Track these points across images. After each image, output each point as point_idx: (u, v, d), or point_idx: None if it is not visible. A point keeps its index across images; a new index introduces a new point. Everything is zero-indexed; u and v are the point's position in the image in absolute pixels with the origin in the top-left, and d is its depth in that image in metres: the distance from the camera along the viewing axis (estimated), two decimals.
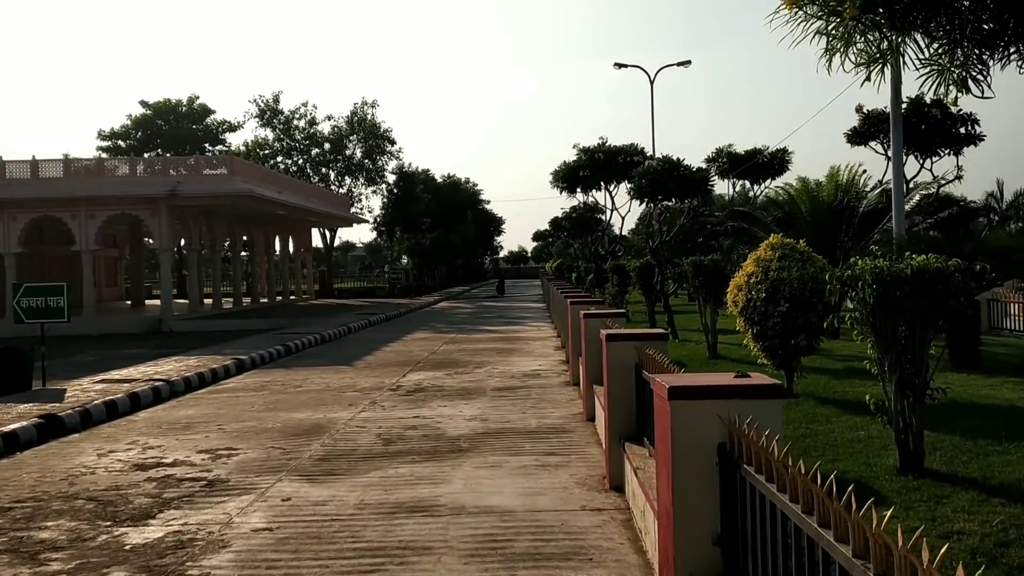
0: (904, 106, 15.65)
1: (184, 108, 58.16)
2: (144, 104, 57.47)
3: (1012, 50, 4.58)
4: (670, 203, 18.59)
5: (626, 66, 36.64)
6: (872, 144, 19.02)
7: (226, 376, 16.29)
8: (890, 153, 14.36)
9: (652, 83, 36.16)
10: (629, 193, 32.33)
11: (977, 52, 4.60)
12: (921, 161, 20.00)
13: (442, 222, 59.71)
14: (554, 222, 52.98)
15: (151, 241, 37.22)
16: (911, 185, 18.79)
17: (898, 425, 6.92)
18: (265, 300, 43.52)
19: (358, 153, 56.29)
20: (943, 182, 21.14)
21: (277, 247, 45.74)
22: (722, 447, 4.10)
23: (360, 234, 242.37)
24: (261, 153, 54.23)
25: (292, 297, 47.34)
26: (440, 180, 65.62)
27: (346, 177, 56.59)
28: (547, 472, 8.09)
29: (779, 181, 33.08)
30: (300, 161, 55.51)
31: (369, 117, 55.83)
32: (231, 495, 7.57)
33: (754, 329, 8.92)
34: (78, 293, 31.69)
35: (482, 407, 11.90)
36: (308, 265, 50.74)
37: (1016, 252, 12.29)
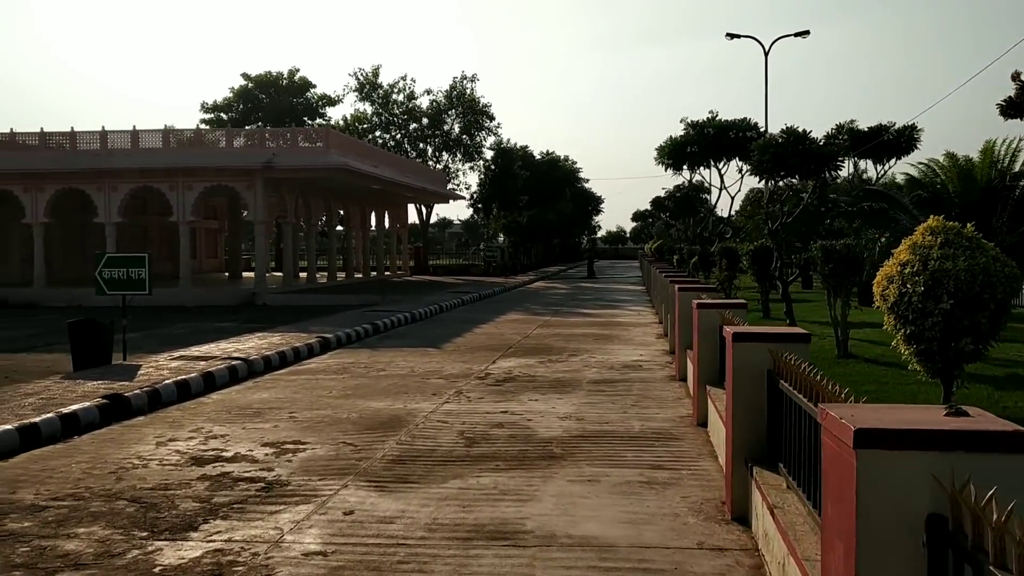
0: None
1: (285, 81, 58.45)
2: (246, 77, 58.01)
3: None
4: (793, 180, 16.85)
5: (739, 37, 34.53)
6: None
7: (309, 355, 15.54)
8: None
9: (767, 54, 33.98)
10: (740, 172, 30.49)
11: None
12: None
13: (539, 200, 58.49)
14: (655, 202, 51.07)
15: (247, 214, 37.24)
16: None
17: None
18: (360, 275, 43.29)
19: (456, 128, 55.52)
20: None
21: (373, 222, 45.42)
22: (933, 521, 2.78)
23: (458, 211, 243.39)
24: (360, 128, 54.02)
25: (387, 273, 47.00)
26: (538, 157, 64.29)
27: (443, 153, 55.94)
28: (654, 492, 6.83)
29: (909, 160, 30.46)
30: (398, 136, 55.09)
31: (468, 92, 54.96)
32: (288, 503, 6.59)
33: (907, 329, 7.42)
34: (176, 264, 31.90)
35: (577, 403, 10.69)
36: (404, 241, 50.34)
37: None
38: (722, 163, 29.99)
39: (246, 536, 5.85)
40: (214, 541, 5.76)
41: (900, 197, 15.37)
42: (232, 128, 40.65)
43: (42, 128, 31.63)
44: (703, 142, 28.89)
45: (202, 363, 13.16)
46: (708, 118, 29.22)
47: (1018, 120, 15.23)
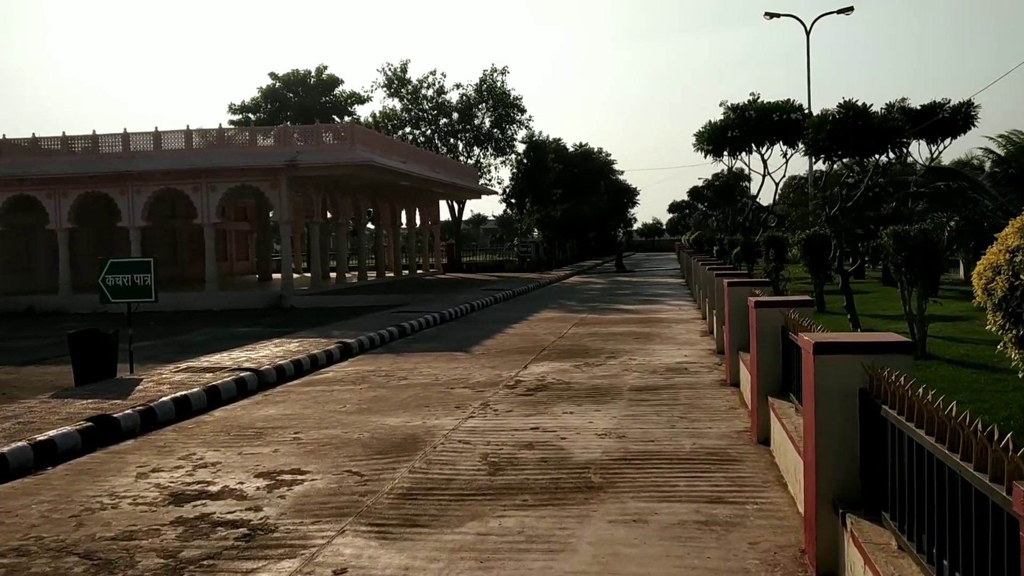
0: None
1: (312, 79, 57.67)
2: (273, 76, 57.28)
3: None
4: (853, 160, 15.37)
5: (778, 15, 32.94)
6: None
7: (328, 363, 14.47)
8: None
9: (808, 33, 32.33)
10: (784, 156, 28.83)
11: None
12: None
13: (573, 193, 57.11)
14: (693, 191, 49.43)
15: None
16: None
17: None
18: (391, 274, 42.31)
19: (487, 122, 54.30)
20: None
21: (404, 220, 44.41)
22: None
23: (492, 206, 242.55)
24: (389, 124, 53.03)
25: (419, 271, 45.98)
26: (571, 149, 62.86)
27: (474, 147, 54.74)
28: (715, 537, 5.59)
29: (961, 141, 28.48)
30: (428, 132, 54.02)
31: (499, 85, 53.70)
32: (269, 558, 5.45)
33: (1020, 330, 6.08)
34: (201, 267, 31.12)
35: (618, 416, 9.45)
36: (436, 238, 49.29)
37: None
38: (765, 148, 28.38)
39: None
40: None
41: (974, 176, 13.88)
42: (255, 127, 39.84)
43: (64, 132, 31.02)
44: (744, 126, 27.32)
45: (208, 375, 12.12)
46: (749, 101, 27.62)
47: None
